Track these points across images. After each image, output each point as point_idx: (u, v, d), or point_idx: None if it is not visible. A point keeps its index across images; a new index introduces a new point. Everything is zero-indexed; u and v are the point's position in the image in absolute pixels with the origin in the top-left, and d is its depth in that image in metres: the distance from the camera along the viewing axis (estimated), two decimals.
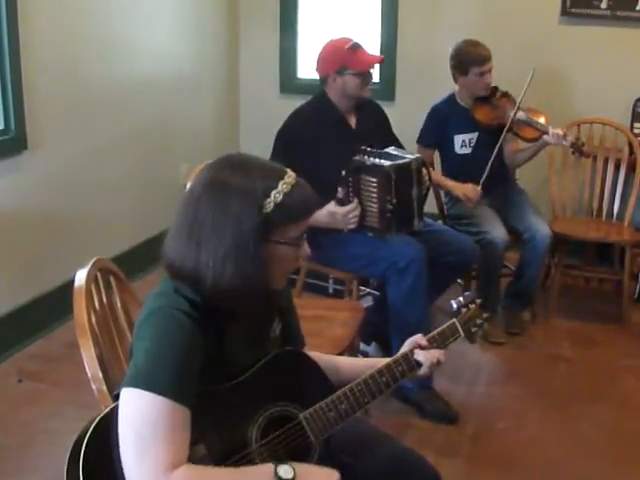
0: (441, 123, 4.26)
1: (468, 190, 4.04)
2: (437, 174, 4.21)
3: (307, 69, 5.62)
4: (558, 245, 4.24)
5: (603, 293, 4.75)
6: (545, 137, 4.06)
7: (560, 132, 4.01)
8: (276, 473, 1.58)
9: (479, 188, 4.03)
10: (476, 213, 4.09)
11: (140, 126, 4.72)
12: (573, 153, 4.19)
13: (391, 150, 3.44)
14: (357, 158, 3.27)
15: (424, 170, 3.41)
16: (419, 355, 1.92)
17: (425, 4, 5.25)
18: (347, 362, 2.08)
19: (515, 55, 4.64)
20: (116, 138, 4.50)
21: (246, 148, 5.55)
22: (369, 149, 3.30)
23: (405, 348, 1.95)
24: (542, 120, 4.16)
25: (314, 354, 1.96)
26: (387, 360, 1.90)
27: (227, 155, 1.73)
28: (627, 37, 4.81)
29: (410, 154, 3.42)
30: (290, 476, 1.58)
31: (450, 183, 4.13)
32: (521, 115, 4.12)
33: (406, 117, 4.52)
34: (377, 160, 3.25)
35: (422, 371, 1.93)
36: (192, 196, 1.67)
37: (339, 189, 3.27)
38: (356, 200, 3.27)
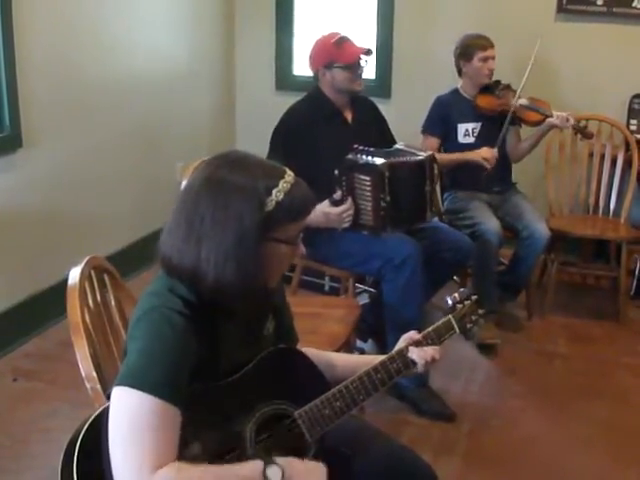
0: (445, 112, 4.29)
1: (484, 152, 4.07)
2: (445, 155, 4.19)
3: (303, 66, 5.60)
4: (555, 242, 4.23)
5: (599, 290, 4.75)
6: (549, 119, 4.11)
7: (564, 114, 4.08)
8: (265, 476, 1.56)
9: (495, 149, 4.07)
10: (471, 207, 4.11)
11: (136, 124, 4.71)
12: (576, 134, 4.28)
13: (402, 146, 3.44)
14: (350, 157, 3.27)
15: (435, 165, 3.42)
16: (413, 353, 1.91)
17: (421, 1, 5.24)
18: (343, 359, 2.07)
19: (511, 52, 4.63)
20: (111, 136, 4.49)
21: (242, 145, 5.54)
22: (361, 147, 3.29)
23: (400, 344, 1.95)
24: (544, 107, 4.21)
25: (309, 350, 1.97)
26: (382, 357, 1.90)
27: (224, 152, 1.73)
28: (623, 34, 4.80)
29: (422, 151, 3.42)
30: (278, 479, 1.58)
31: (463, 155, 4.15)
32: (524, 101, 4.19)
33: (402, 114, 4.52)
34: (370, 158, 3.25)
35: (417, 369, 1.92)
36: (190, 193, 1.66)
37: (337, 190, 3.27)
38: (350, 200, 3.27)
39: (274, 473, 1.57)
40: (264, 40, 5.65)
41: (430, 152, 3.47)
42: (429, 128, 4.30)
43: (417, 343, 1.93)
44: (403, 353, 1.91)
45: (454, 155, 4.18)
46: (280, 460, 1.61)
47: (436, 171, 3.45)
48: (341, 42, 3.49)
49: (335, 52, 3.47)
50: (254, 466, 1.58)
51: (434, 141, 4.25)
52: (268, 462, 1.59)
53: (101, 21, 4.31)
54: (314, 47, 3.58)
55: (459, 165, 4.17)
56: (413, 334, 1.96)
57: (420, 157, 3.37)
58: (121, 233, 4.67)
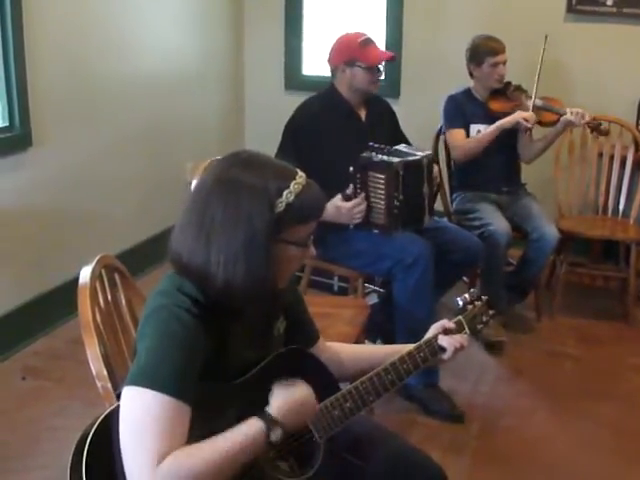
0: (459, 109, 4.26)
1: (520, 113, 4.04)
2: (478, 136, 4.15)
3: (312, 66, 5.62)
4: (564, 243, 4.22)
5: (608, 291, 4.74)
6: (564, 117, 4.08)
7: (579, 110, 4.05)
8: (269, 439, 1.59)
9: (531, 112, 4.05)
10: (479, 207, 4.10)
11: (145, 124, 4.72)
12: (592, 132, 4.25)
13: (401, 147, 3.44)
14: (365, 155, 3.26)
15: (435, 167, 3.41)
16: (443, 340, 1.91)
17: (430, 1, 5.24)
18: (371, 350, 2.10)
19: (520, 52, 4.62)
20: (121, 136, 4.50)
21: (251, 145, 5.53)
22: (377, 145, 3.29)
23: (431, 333, 1.95)
24: (558, 105, 4.20)
25: (335, 345, 2.00)
26: (408, 348, 1.89)
27: (235, 152, 1.72)
28: (633, 35, 4.79)
29: (421, 151, 3.41)
30: (279, 438, 1.60)
31: (500, 123, 4.09)
32: (538, 102, 4.18)
33: (411, 114, 4.52)
34: (385, 157, 3.25)
35: (446, 355, 1.92)
36: (202, 192, 1.66)
37: (350, 185, 3.27)
38: (362, 195, 3.26)
39: (276, 435, 1.60)
40: (273, 40, 5.65)
41: (428, 152, 3.44)
42: (451, 122, 4.25)
43: (447, 331, 1.94)
44: (432, 342, 1.91)
45: (489, 128, 4.10)
46: (274, 410, 1.63)
47: (436, 173, 3.44)
48: (367, 43, 3.49)
49: (360, 51, 3.46)
50: (255, 429, 1.59)
51: (460, 132, 4.21)
52: (268, 421, 1.60)
53: (111, 21, 4.32)
54: (337, 42, 3.56)
55: (474, 159, 4.15)
56: (445, 322, 1.97)
57: (417, 157, 3.33)
58: (130, 232, 4.67)
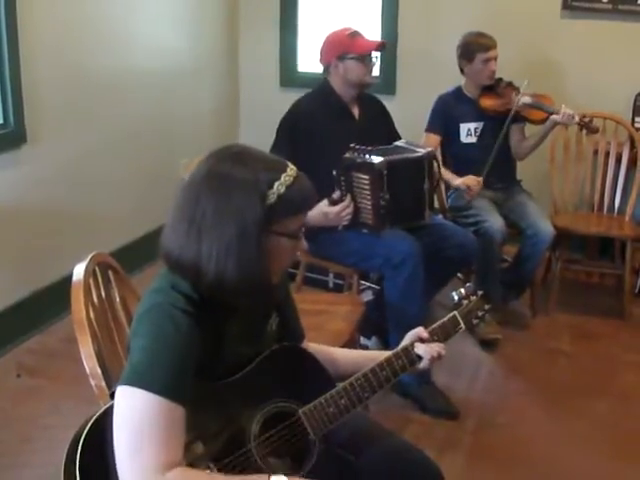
0: (447, 111, 4.27)
1: (469, 180, 4.03)
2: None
3: (307, 63, 5.61)
4: (559, 239, 4.22)
5: (604, 287, 4.74)
6: (553, 117, 4.08)
7: (569, 111, 4.04)
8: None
9: (481, 178, 4.03)
10: (475, 204, 4.09)
11: (139, 120, 4.71)
12: (581, 130, 4.26)
13: (402, 144, 3.43)
14: (347, 156, 3.25)
15: (435, 163, 3.41)
16: (419, 349, 1.91)
17: None
18: (347, 354, 2.07)
19: (516, 49, 4.62)
20: (115, 132, 4.49)
21: (246, 142, 5.47)
22: (358, 146, 3.28)
23: (406, 341, 1.94)
24: (548, 103, 4.20)
25: (312, 346, 1.98)
26: (388, 353, 1.89)
27: (227, 146, 1.71)
28: (628, 31, 4.79)
29: (422, 148, 3.41)
30: None
31: (449, 174, 4.12)
32: (527, 99, 4.17)
33: (407, 111, 4.51)
34: (367, 157, 3.24)
35: (422, 365, 1.92)
36: (192, 186, 1.65)
37: (336, 190, 3.26)
38: (349, 197, 3.26)
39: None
40: (268, 36, 5.64)
41: (430, 149, 3.45)
42: (429, 126, 4.29)
43: (423, 340, 1.93)
44: (409, 349, 1.91)
45: (441, 171, 4.14)
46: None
47: (436, 169, 3.44)
48: (355, 35, 3.51)
49: (349, 43, 3.48)
50: (259, 478, 1.57)
51: (434, 138, 4.23)
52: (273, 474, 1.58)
53: (105, 17, 4.31)
54: (327, 40, 3.57)
55: (466, 158, 4.17)
56: (420, 331, 1.96)
57: (418, 154, 3.35)
58: (125, 229, 4.66)
